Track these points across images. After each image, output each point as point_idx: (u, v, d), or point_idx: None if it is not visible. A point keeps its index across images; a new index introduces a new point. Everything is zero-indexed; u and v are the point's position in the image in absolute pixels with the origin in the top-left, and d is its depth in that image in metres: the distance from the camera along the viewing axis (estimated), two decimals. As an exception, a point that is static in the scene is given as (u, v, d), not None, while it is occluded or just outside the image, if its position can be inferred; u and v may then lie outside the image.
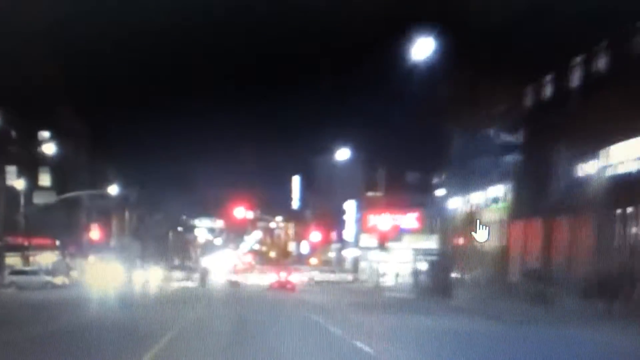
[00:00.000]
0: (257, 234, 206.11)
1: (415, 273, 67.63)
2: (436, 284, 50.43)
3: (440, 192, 77.31)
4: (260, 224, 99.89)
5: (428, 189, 77.46)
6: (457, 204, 59.06)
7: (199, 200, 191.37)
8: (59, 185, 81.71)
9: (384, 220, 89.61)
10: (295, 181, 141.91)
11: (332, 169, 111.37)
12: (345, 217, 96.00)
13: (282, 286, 60.87)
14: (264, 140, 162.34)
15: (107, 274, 77.68)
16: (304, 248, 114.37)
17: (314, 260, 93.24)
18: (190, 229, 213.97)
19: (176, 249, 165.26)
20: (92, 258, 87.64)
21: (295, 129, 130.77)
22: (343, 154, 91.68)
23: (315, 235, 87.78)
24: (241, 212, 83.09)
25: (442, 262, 52.19)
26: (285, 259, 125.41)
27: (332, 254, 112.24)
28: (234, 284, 65.64)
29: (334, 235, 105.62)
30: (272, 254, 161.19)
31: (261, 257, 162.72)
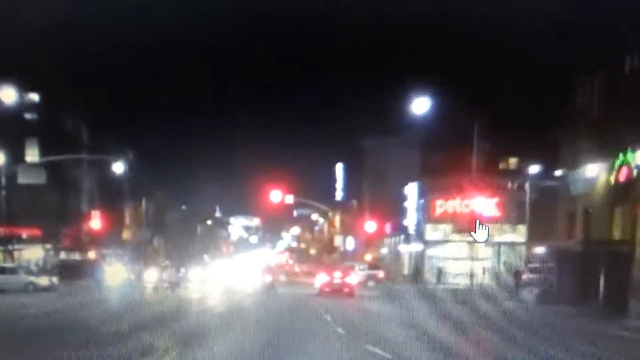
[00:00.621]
0: (295, 230, 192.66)
1: (518, 274, 50.55)
2: (584, 291, 32.60)
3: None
4: (301, 211, 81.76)
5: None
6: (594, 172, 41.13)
7: (234, 197, 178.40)
8: (52, 164, 64.30)
9: (456, 207, 71.89)
10: (339, 169, 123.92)
11: (384, 152, 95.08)
12: (407, 203, 78.40)
13: (337, 291, 43.45)
14: (303, 127, 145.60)
15: (116, 274, 61.08)
16: (349, 244, 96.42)
17: (368, 257, 75.56)
18: (223, 224, 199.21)
19: (205, 246, 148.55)
20: (92, 254, 70.83)
21: (337, 110, 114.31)
22: (398, 133, 75.68)
23: (371, 226, 69.98)
24: (278, 195, 65.89)
25: (590, 261, 34.07)
26: (330, 255, 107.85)
27: (384, 250, 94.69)
28: (268, 287, 47.54)
29: (387, 227, 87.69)
30: (313, 251, 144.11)
31: (299, 255, 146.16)
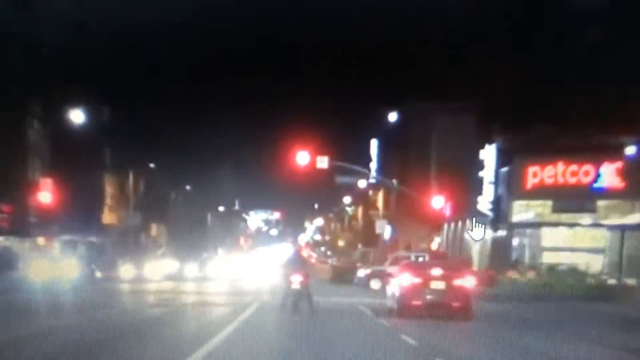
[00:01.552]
0: (318, 222, 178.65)
1: None
2: None
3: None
4: (342, 179, 60.59)
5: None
6: None
7: (254, 190, 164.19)
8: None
9: (558, 175, 51.00)
10: (373, 146, 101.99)
11: (430, 119, 75.42)
12: (483, 173, 57.11)
13: (438, 306, 21.83)
14: (331, 101, 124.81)
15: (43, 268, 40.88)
16: (386, 231, 75.13)
17: (435, 244, 54.26)
18: (237, 214, 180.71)
19: (218, 236, 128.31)
20: (42, 240, 50.21)
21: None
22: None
23: (439, 201, 48.87)
24: (304, 157, 45.23)
25: None
26: (366, 247, 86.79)
27: (437, 240, 73.80)
28: (297, 295, 25.12)
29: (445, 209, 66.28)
30: (342, 243, 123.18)
31: (322, 249, 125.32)
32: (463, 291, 23.60)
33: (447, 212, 61.12)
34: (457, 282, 23.77)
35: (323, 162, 47.29)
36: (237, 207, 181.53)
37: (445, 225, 68.87)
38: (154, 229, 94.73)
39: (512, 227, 53.65)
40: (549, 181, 51.34)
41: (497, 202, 55.81)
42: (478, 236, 50.73)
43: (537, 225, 52.26)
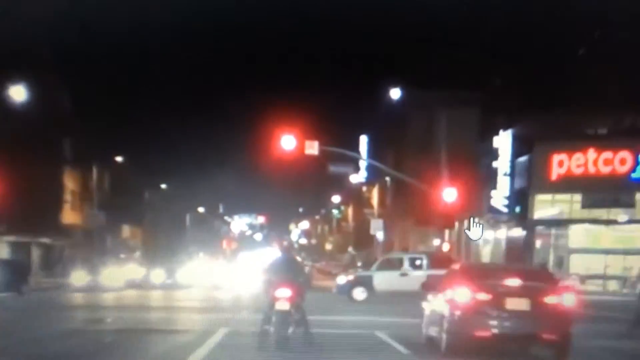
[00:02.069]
0: (304, 225, 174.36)
1: None
2: None
3: None
4: (335, 168, 52.83)
5: None
6: None
7: (238, 194, 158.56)
8: None
9: (589, 164, 43.47)
10: (363, 142, 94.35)
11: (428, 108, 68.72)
12: (497, 163, 49.37)
13: (522, 340, 14.11)
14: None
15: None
16: (378, 231, 67.50)
17: (446, 246, 46.37)
18: (219, 216, 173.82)
19: (198, 240, 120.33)
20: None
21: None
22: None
23: (450, 194, 41.11)
24: (290, 142, 37.54)
25: None
26: (357, 249, 79.11)
27: (437, 242, 66.30)
28: (285, 317, 16.71)
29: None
30: (329, 246, 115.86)
31: (308, 253, 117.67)
32: (559, 314, 14.69)
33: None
34: (550, 299, 14.75)
35: (313, 148, 39.50)
36: (221, 210, 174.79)
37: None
38: (126, 230, 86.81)
39: (534, 226, 46.01)
40: (577, 171, 43.84)
41: (514, 197, 48.24)
42: (475, 236, 42.83)
43: (564, 222, 44.67)
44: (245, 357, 15.48)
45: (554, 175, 44.50)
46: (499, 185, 49.07)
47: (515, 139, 48.35)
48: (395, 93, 45.69)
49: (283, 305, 15.73)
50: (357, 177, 74.08)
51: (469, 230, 52.19)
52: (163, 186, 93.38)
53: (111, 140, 64.30)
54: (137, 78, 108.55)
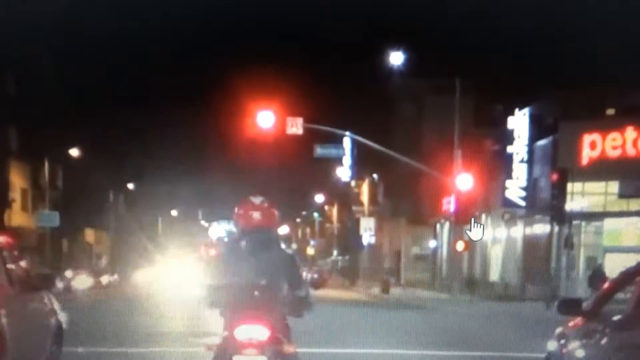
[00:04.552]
0: (283, 229, 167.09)
1: None
2: None
3: None
4: (322, 150, 45.80)
5: None
6: None
7: (215, 201, 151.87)
8: None
9: (627, 146, 36.42)
10: (347, 143, 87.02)
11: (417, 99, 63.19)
12: (512, 148, 42.05)
13: None
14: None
15: None
16: (369, 231, 61.31)
17: (460, 245, 39.13)
18: (196, 221, 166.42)
19: (173, 245, 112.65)
20: None
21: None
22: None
23: (465, 181, 34.09)
24: (269, 118, 30.22)
25: None
26: (345, 253, 71.93)
27: (432, 244, 59.56)
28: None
29: (444, 203, 51.45)
30: (311, 251, 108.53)
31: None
32: None
33: (452, 207, 45.90)
34: None
35: (296, 125, 32.30)
36: (200, 218, 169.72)
37: (442, 224, 54.01)
38: (90, 234, 79.27)
39: (571, 220, 38.66)
40: (613, 154, 36.77)
41: (533, 187, 41.03)
42: (476, 236, 36.23)
43: (598, 216, 37.48)
44: None
45: (584, 160, 37.40)
46: (514, 174, 41.87)
47: (533, 119, 41.23)
48: (396, 58, 38.38)
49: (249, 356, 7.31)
50: (345, 171, 66.85)
51: (470, 230, 44.45)
52: (130, 186, 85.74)
53: (67, 132, 56.74)
54: (104, 64, 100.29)
